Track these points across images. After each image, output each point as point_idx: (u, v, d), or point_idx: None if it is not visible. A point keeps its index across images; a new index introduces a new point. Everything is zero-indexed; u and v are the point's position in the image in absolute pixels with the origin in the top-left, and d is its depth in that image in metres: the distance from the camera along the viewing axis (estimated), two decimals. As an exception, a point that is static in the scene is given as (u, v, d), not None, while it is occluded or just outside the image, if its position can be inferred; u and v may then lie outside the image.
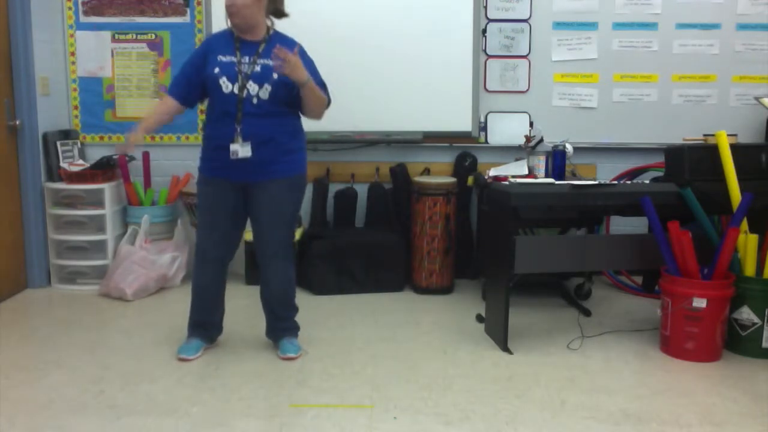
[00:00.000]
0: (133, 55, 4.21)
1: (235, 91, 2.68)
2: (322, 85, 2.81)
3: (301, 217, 4.21)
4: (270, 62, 2.69)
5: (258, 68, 2.69)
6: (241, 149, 2.68)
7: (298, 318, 3.03)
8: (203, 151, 2.83)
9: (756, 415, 2.41)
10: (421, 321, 3.42)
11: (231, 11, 2.68)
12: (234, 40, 2.75)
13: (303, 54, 2.74)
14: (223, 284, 2.97)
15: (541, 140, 3.59)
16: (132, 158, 4.10)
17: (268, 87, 2.68)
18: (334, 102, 2.88)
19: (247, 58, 2.71)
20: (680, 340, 2.90)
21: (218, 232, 2.85)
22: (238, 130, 2.69)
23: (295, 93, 2.71)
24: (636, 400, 2.52)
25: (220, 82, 2.69)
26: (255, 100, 2.69)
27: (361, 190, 4.23)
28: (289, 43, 2.75)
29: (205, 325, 2.96)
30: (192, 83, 2.78)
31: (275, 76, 2.68)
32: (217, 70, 2.70)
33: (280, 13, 2.82)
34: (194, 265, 2.92)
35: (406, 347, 3.05)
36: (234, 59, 2.71)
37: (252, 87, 2.68)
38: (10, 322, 3.38)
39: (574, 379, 2.70)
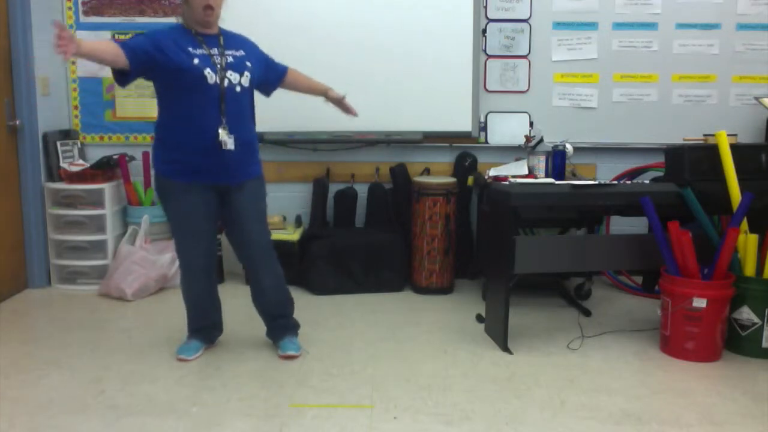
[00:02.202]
0: (133, 55, 4.21)
1: (218, 81, 2.64)
2: (268, 60, 2.92)
3: (301, 217, 4.22)
4: (238, 53, 2.72)
5: (230, 59, 2.69)
6: (228, 139, 2.64)
7: (298, 317, 3.03)
8: (175, 156, 2.67)
9: (756, 415, 2.41)
10: (421, 321, 3.41)
11: (214, 4, 2.61)
12: (194, 35, 2.67)
13: (252, 43, 2.84)
14: (215, 287, 2.97)
15: (541, 140, 3.59)
16: (132, 158, 4.10)
17: (248, 74, 2.71)
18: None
19: (215, 50, 2.68)
20: (680, 340, 2.90)
21: (204, 241, 2.79)
22: (224, 121, 2.64)
23: (271, 77, 2.92)
24: (636, 400, 2.52)
25: (205, 73, 2.59)
26: (238, 89, 2.68)
27: (361, 190, 4.23)
28: (238, 38, 2.82)
29: (205, 329, 2.97)
30: (147, 54, 2.54)
31: (249, 63, 2.73)
32: (197, 61, 2.59)
33: None
34: (182, 278, 2.86)
35: (406, 347, 3.05)
36: (205, 52, 2.64)
37: (233, 76, 2.67)
38: (10, 322, 3.38)
39: (574, 379, 2.70)
